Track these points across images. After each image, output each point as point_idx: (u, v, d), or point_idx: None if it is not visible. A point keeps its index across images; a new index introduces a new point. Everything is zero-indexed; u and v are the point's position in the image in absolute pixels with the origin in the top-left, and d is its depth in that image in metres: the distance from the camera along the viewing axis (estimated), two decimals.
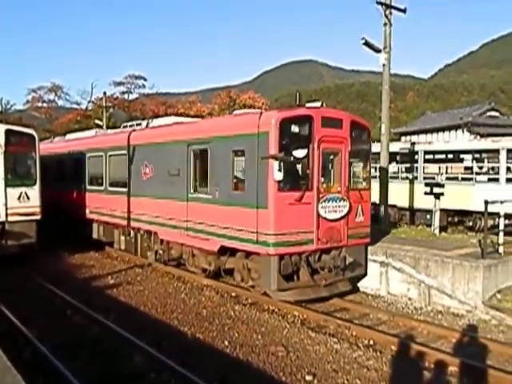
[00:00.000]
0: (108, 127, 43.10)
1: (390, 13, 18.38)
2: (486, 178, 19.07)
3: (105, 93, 51.27)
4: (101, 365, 7.70)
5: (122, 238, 17.05)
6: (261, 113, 11.32)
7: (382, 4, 18.15)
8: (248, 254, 11.71)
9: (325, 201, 11.06)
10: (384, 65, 18.25)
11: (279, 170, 10.36)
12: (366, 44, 18.15)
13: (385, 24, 18.25)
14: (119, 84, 68.82)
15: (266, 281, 10.95)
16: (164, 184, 14.18)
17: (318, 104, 11.94)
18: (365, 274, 12.81)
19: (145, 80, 70.24)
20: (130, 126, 17.70)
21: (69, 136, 22.95)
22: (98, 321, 9.80)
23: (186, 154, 13.19)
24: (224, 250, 12.29)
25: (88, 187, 18.76)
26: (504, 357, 8.47)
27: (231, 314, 10.71)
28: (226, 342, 8.91)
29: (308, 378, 7.41)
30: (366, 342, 9.13)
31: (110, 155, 17.34)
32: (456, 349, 8.72)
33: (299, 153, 10.82)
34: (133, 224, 16.00)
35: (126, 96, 69.86)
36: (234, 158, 11.59)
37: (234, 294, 12.41)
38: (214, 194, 12.18)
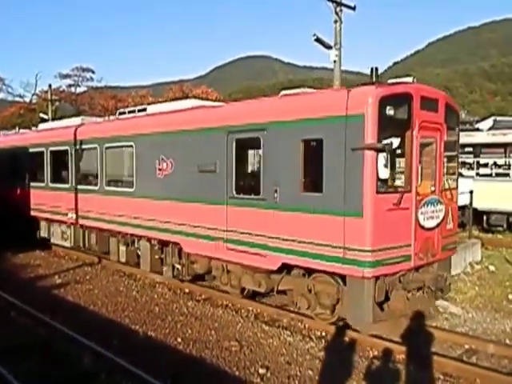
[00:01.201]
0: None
1: (341, 10, 18.73)
2: None
3: (50, 85, 49.59)
4: (48, 368, 7.46)
5: (123, 248, 14.04)
6: (348, 89, 8.61)
7: (332, 1, 18.45)
8: (308, 271, 9.44)
9: (424, 205, 8.77)
10: (335, 61, 18.57)
11: (385, 166, 8.07)
12: (318, 40, 18.43)
13: (335, 21, 18.58)
14: (66, 76, 66.89)
15: (356, 312, 8.47)
16: (190, 183, 11.32)
17: (410, 79, 9.29)
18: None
19: (93, 73, 68.62)
20: (130, 112, 14.62)
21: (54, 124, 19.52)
22: (44, 322, 9.49)
23: (224, 145, 10.36)
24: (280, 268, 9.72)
25: (79, 187, 15.53)
26: (448, 343, 8.80)
27: (184, 311, 10.63)
28: (179, 339, 8.83)
29: (261, 371, 7.46)
30: (319, 333, 9.28)
31: (107, 147, 14.23)
32: (404, 338, 8.96)
33: (394, 143, 8.70)
34: (139, 232, 13.07)
35: (73, 89, 67.92)
36: (304, 149, 8.93)
37: (187, 291, 12.32)
38: (270, 197, 9.38)
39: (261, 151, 9.76)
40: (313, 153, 8.92)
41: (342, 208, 8.16)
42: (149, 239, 12.90)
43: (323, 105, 8.82)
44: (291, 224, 9.06)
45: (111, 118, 17.13)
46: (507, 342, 9.03)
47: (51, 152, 17.00)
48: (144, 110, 13.84)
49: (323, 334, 9.24)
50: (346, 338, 8.91)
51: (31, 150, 17.96)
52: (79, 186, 15.41)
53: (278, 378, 7.26)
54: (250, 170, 11.61)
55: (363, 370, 7.56)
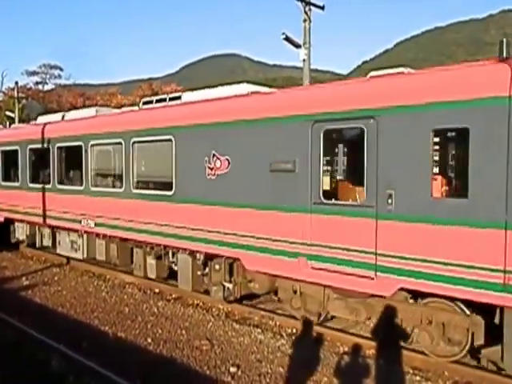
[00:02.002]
0: (21, 120, 40.85)
1: (310, 9, 18.83)
2: None
3: (17, 82, 48.57)
4: (14, 371, 7.29)
5: (152, 261, 11.97)
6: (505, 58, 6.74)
7: (301, 0, 18.55)
8: (415, 294, 7.83)
9: None
10: (304, 60, 18.68)
11: None
12: (287, 39, 18.52)
13: (304, 20, 18.69)
14: (33, 74, 65.77)
15: None
16: (256, 185, 9.20)
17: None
18: None
19: (61, 70, 67.68)
20: (158, 100, 12.23)
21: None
22: (11, 324, 9.28)
23: (307, 138, 8.42)
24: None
25: (96, 189, 13.38)
26: None
27: (154, 311, 10.54)
28: (149, 339, 8.76)
29: (232, 369, 7.46)
30: (290, 330, 9.33)
31: (136, 142, 11.97)
32: (373, 332, 9.09)
33: None
34: (176, 243, 10.93)
35: (40, 86, 66.60)
36: (433, 141, 7.14)
37: (157, 291, 12.22)
38: (381, 203, 7.50)
39: (364, 145, 7.73)
40: (451, 146, 7.53)
41: (503, 218, 6.40)
42: (191, 252, 10.85)
43: (470, 83, 6.81)
44: (415, 238, 7.18)
45: (128, 108, 14.39)
46: None
47: (59, 149, 14.72)
48: (177, 98, 11.73)
49: (294, 331, 9.30)
50: (316, 335, 8.99)
51: (32, 147, 15.86)
52: (96, 189, 13.29)
53: (249, 375, 7.27)
54: (343, 170, 9.75)
55: (334, 366, 7.63)
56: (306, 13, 18.64)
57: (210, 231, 10.10)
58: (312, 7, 18.82)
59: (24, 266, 15.33)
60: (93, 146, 13.32)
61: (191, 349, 8.32)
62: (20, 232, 17.08)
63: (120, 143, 12.33)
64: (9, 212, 17.04)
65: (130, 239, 12.35)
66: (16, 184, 16.63)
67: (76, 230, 14.14)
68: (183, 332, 9.17)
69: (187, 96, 11.51)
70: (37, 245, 16.32)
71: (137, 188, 12.05)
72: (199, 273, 10.89)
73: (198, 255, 10.72)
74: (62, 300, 11.42)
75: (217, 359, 7.88)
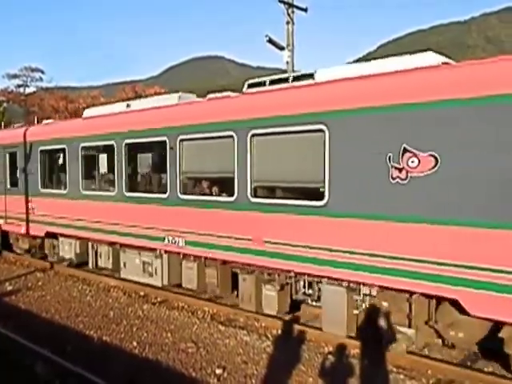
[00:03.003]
0: (2, 124, 40.36)
1: (293, 12, 18.96)
2: None
3: None
4: (0, 376, 7.24)
5: (272, 293, 9.56)
6: None
7: (284, 3, 18.67)
8: None
9: None
10: (288, 62, 18.80)
11: None
12: (270, 41, 18.62)
13: (287, 22, 18.81)
14: (14, 77, 64.87)
15: None
16: (490, 194, 6.55)
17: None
18: None
19: (42, 73, 66.91)
20: (273, 82, 9.59)
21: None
22: None
23: None
24: None
25: (183, 197, 10.80)
26: None
27: (140, 314, 10.52)
28: (135, 343, 8.75)
29: (218, 371, 7.48)
30: (275, 332, 9.38)
31: (256, 135, 9.27)
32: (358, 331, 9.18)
33: None
34: (322, 271, 8.42)
35: (21, 90, 65.82)
36: None
37: (142, 294, 12.18)
38: None
39: None
40: None
41: None
42: (340, 282, 8.41)
43: None
44: None
45: (227, 93, 10.84)
46: None
47: (129, 146, 12.00)
48: (309, 76, 8.99)
49: (279, 332, 9.34)
50: (301, 335, 9.04)
51: (86, 145, 13.46)
52: (188, 197, 10.69)
53: (235, 377, 7.30)
54: None
55: (319, 366, 7.70)
56: (288, 15, 18.77)
57: (391, 258, 7.46)
58: (295, 9, 18.97)
59: (7, 271, 15.14)
60: (183, 141, 10.64)
61: (177, 351, 8.32)
62: (66, 249, 14.67)
63: (229, 137, 9.60)
64: (51, 225, 14.73)
65: (243, 263, 9.91)
66: (62, 191, 14.29)
67: (151, 249, 11.60)
68: (169, 335, 9.16)
69: (322, 75, 8.75)
70: (90, 265, 14.04)
71: (257, 196, 9.31)
72: (356, 312, 8.49)
73: (364, 289, 8.21)
74: (47, 305, 11.32)
75: (202, 361, 7.89)
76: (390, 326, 8.03)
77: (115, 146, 12.25)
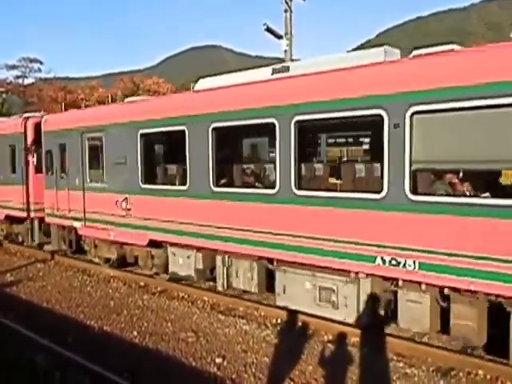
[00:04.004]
0: (1, 114, 40.29)
1: (290, 0, 18.79)
2: None
3: None
4: (1, 367, 7.26)
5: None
6: None
7: None
8: None
9: None
10: (286, 51, 18.68)
11: None
12: (268, 30, 18.49)
13: (285, 10, 18.66)
14: (12, 67, 64.65)
15: None
16: None
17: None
18: None
19: (41, 63, 66.75)
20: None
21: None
22: None
23: None
24: None
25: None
26: None
27: (140, 304, 10.55)
28: (135, 333, 8.78)
29: (218, 360, 7.51)
30: (274, 321, 9.40)
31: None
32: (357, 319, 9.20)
33: None
34: None
35: (20, 81, 65.63)
36: None
37: (142, 284, 12.21)
38: None
39: None
40: None
41: None
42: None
43: None
44: None
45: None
46: None
47: (301, 125, 8.74)
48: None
49: (278, 321, 9.37)
50: (301, 324, 9.07)
51: (219, 125, 10.02)
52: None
53: (235, 366, 7.33)
54: None
55: (318, 355, 7.72)
56: (286, 3, 18.60)
57: None
58: None
59: (8, 262, 15.20)
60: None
61: (177, 341, 8.35)
62: (179, 263, 11.27)
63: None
64: (156, 231, 11.43)
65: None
66: (179, 188, 11.02)
67: (335, 270, 8.49)
68: (169, 324, 9.20)
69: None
70: (220, 286, 10.53)
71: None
72: None
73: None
74: (47, 295, 11.36)
75: (202, 351, 7.92)
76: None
77: (277, 125, 8.89)
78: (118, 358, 7.54)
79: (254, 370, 7.19)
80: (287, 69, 9.44)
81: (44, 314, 10.04)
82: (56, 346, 7.84)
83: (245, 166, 11.05)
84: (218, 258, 10.45)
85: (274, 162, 9.10)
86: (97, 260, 13.92)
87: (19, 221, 16.93)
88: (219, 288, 10.53)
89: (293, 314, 9.40)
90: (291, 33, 18.54)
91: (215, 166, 10.09)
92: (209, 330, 8.89)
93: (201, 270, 10.95)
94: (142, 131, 11.62)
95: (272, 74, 9.55)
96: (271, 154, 10.50)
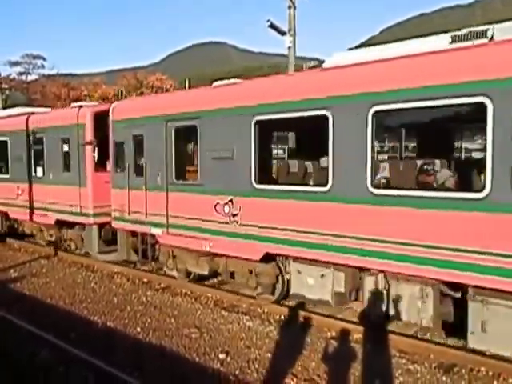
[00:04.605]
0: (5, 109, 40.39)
1: None
2: None
3: None
4: (4, 362, 7.30)
5: None
6: None
7: None
8: None
9: None
10: (289, 47, 18.64)
11: None
12: (272, 26, 18.45)
13: (289, 7, 18.61)
14: (15, 64, 64.79)
15: None
16: None
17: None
18: None
19: (44, 60, 66.87)
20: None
21: None
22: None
23: None
24: None
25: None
26: None
27: (143, 300, 10.59)
28: (139, 329, 8.81)
29: (221, 356, 7.54)
30: (278, 317, 9.42)
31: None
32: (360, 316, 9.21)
33: None
34: None
35: (23, 77, 65.78)
36: None
37: (145, 280, 12.24)
38: None
39: None
40: None
41: None
42: None
43: None
44: None
45: None
46: None
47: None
48: None
49: (282, 317, 9.39)
50: (304, 320, 9.08)
51: (378, 108, 7.71)
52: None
53: (238, 362, 7.35)
54: None
55: (321, 351, 7.74)
56: None
57: None
58: None
59: (12, 258, 15.22)
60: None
61: (180, 337, 8.38)
62: (309, 283, 8.83)
63: None
64: (275, 243, 9.04)
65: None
66: (316, 189, 8.65)
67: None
68: (172, 320, 9.22)
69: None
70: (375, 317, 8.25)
71: None
72: None
73: None
74: (51, 291, 11.39)
75: (206, 346, 7.95)
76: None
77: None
78: (121, 354, 7.57)
79: (257, 366, 7.22)
80: (484, 34, 7.22)
81: (47, 310, 10.07)
82: (59, 341, 7.87)
83: (427, 161, 8.61)
84: (369, 280, 8.13)
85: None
86: (175, 273, 11.63)
87: (70, 225, 14.80)
88: (375, 319, 8.19)
89: (296, 310, 9.42)
90: (295, 29, 18.49)
91: (372, 159, 7.81)
92: (212, 326, 8.92)
93: (341, 294, 8.58)
94: (258, 118, 9.16)
95: (451, 42, 7.47)
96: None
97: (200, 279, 11.62)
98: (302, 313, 9.28)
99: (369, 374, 6.96)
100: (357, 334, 8.35)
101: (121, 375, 6.68)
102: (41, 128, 15.18)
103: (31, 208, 15.66)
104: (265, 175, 9.49)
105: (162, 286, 11.74)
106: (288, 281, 9.45)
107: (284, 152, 10.04)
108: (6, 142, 16.66)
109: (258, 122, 9.18)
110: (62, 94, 58.66)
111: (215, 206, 9.93)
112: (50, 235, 15.62)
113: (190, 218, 10.55)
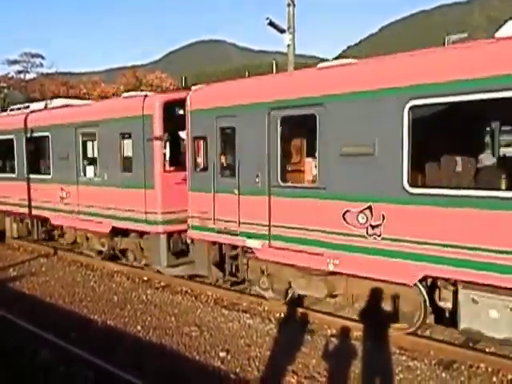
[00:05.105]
0: (3, 109, 40.33)
1: None
2: None
3: None
4: (3, 362, 7.29)
5: None
6: None
7: None
8: None
9: None
10: (288, 45, 18.60)
11: None
12: (271, 24, 18.39)
13: (288, 5, 18.55)
14: (14, 62, 64.63)
15: None
16: None
17: None
18: None
19: (42, 58, 66.74)
20: None
21: None
22: None
23: None
24: None
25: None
26: None
27: (143, 299, 10.59)
28: (139, 327, 8.81)
29: (222, 354, 7.55)
30: (278, 315, 9.42)
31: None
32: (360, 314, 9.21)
33: None
34: None
35: (22, 76, 65.64)
36: None
37: (145, 279, 12.24)
38: None
39: None
40: None
41: None
42: None
43: None
44: None
45: None
46: None
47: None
48: None
49: (282, 315, 9.39)
50: (304, 318, 9.09)
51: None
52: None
53: (239, 360, 7.36)
54: None
55: (322, 348, 7.74)
56: None
57: None
58: None
59: (11, 257, 15.22)
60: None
61: (181, 335, 8.38)
62: (492, 317, 6.70)
63: None
64: (443, 263, 6.94)
65: None
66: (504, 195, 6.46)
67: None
68: (172, 319, 9.22)
69: None
70: None
71: None
72: None
73: None
74: (51, 290, 11.39)
75: (206, 345, 7.95)
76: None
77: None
78: (121, 353, 7.56)
79: (257, 364, 7.23)
80: None
81: (47, 309, 10.06)
82: (60, 340, 7.87)
83: None
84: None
85: None
86: (268, 294, 9.77)
87: (124, 233, 12.98)
88: None
89: (296, 308, 9.42)
90: (294, 27, 18.45)
91: None
92: (212, 324, 8.92)
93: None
94: (413, 103, 7.14)
95: None
96: None
97: (197, 276, 11.59)
98: (302, 311, 9.28)
99: (369, 371, 6.97)
100: (357, 331, 8.36)
101: (122, 374, 6.68)
102: (92, 121, 13.09)
103: (79, 213, 13.78)
104: (421, 176, 7.60)
105: (162, 284, 11.75)
106: (442, 309, 7.63)
107: (460, 146, 7.54)
108: (47, 137, 14.68)
109: (413, 108, 7.17)
110: (61, 93, 58.48)
111: (343, 214, 8.02)
112: (102, 244, 13.75)
113: (302, 229, 8.63)
